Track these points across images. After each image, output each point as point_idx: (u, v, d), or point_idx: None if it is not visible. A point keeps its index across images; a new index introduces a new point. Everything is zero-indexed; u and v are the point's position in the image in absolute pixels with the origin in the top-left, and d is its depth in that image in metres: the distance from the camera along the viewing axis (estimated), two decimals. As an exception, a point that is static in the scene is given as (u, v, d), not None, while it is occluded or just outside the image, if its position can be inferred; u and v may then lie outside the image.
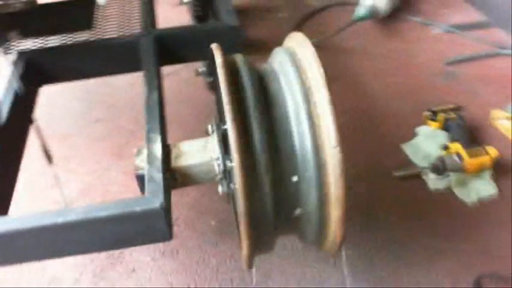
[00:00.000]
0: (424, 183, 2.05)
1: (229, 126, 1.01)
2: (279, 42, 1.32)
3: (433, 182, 2.02)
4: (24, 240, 1.07)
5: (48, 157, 1.57)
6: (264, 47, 2.93)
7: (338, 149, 1.02)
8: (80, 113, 2.63)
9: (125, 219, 1.10)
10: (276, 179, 1.07)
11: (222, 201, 1.68)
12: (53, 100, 2.63)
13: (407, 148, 2.23)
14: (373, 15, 2.97)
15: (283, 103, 1.12)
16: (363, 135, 2.34)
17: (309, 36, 1.18)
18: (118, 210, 1.09)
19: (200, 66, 1.58)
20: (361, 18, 2.98)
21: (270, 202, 1.07)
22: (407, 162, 2.16)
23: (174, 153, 1.26)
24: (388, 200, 2.01)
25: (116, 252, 1.87)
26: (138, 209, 1.09)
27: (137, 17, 1.89)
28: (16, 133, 1.48)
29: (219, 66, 1.08)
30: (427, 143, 2.18)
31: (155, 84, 1.47)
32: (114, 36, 1.78)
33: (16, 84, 1.54)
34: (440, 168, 1.97)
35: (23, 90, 1.57)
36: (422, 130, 2.27)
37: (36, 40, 1.78)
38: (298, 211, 1.13)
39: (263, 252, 1.25)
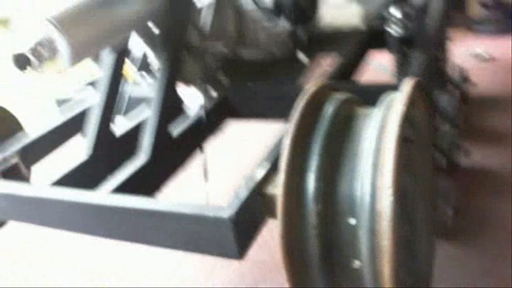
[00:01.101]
0: None
1: (285, 145, 1.00)
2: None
3: None
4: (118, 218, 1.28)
5: (206, 175, 1.80)
6: (504, 140, 2.66)
7: (392, 196, 0.88)
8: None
9: (198, 221, 1.18)
10: (328, 214, 0.99)
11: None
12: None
13: None
14: None
15: (360, 141, 1.04)
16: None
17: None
18: (193, 211, 1.19)
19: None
20: None
21: (316, 236, 0.98)
22: None
23: (274, 181, 1.28)
24: None
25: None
26: (209, 214, 1.17)
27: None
28: (185, 148, 1.77)
29: (305, 94, 1.10)
30: None
31: None
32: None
33: (203, 112, 1.85)
34: None
35: (208, 119, 1.86)
36: None
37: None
38: (357, 264, 0.99)
39: None
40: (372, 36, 2.42)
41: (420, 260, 1.26)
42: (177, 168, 1.73)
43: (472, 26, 4.48)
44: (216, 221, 1.15)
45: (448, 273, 1.81)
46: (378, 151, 0.96)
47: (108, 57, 1.71)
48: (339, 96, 1.17)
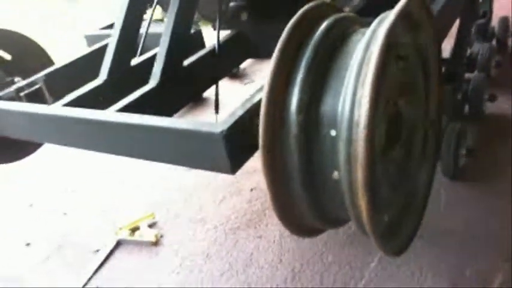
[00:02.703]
0: None
1: (273, 58, 1.00)
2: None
3: None
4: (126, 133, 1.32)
5: (216, 107, 1.83)
6: None
7: (368, 99, 0.88)
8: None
9: (192, 137, 1.21)
10: (310, 125, 0.99)
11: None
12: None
13: None
14: None
15: (350, 55, 1.02)
16: None
17: None
18: (187, 126, 1.22)
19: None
20: None
21: (297, 146, 0.99)
22: None
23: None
24: None
25: (256, 219, 1.98)
26: (202, 129, 1.19)
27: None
28: (196, 77, 1.79)
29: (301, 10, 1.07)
30: None
31: None
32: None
33: (217, 45, 1.86)
34: None
35: (222, 53, 1.87)
36: None
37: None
38: (336, 174, 1.00)
39: (316, 217, 1.12)
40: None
41: (415, 184, 1.25)
42: (187, 96, 1.77)
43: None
44: (208, 136, 1.18)
45: (453, 211, 1.81)
46: (362, 62, 0.94)
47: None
48: (337, 14, 1.14)
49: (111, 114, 1.38)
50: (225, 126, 1.16)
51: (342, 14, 1.15)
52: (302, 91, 0.99)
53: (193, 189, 2.28)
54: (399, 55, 1.05)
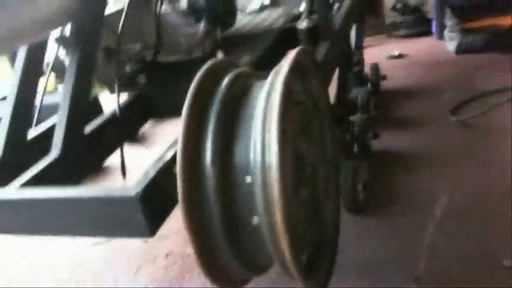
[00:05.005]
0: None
1: (182, 115, 1.04)
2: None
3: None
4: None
5: (124, 172, 1.80)
6: (415, 124, 2.88)
7: (276, 143, 0.95)
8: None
9: (105, 203, 1.19)
10: (226, 175, 1.03)
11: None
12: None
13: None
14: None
15: (254, 105, 1.10)
16: (484, 221, 1.97)
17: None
18: (100, 193, 1.19)
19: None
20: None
21: (216, 198, 1.02)
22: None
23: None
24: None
25: (176, 284, 1.94)
26: (116, 194, 1.18)
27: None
28: (99, 145, 1.76)
29: (203, 67, 1.14)
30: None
31: None
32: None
33: (118, 110, 1.85)
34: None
35: (123, 117, 1.87)
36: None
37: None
38: (255, 219, 1.04)
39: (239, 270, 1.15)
40: (286, 34, 2.51)
41: (324, 221, 1.34)
42: (92, 164, 1.73)
43: (389, 31, 4.86)
44: (123, 200, 1.17)
45: (359, 243, 1.94)
46: (266, 111, 1.02)
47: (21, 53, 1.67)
48: (237, 69, 1.23)
49: (13, 191, 1.31)
50: (139, 188, 1.16)
51: (240, 69, 1.24)
52: (214, 143, 1.04)
53: (104, 262, 2.17)
54: (296, 101, 1.16)
